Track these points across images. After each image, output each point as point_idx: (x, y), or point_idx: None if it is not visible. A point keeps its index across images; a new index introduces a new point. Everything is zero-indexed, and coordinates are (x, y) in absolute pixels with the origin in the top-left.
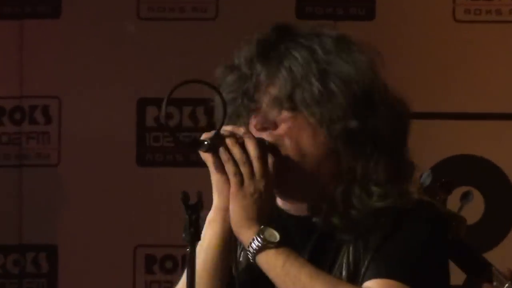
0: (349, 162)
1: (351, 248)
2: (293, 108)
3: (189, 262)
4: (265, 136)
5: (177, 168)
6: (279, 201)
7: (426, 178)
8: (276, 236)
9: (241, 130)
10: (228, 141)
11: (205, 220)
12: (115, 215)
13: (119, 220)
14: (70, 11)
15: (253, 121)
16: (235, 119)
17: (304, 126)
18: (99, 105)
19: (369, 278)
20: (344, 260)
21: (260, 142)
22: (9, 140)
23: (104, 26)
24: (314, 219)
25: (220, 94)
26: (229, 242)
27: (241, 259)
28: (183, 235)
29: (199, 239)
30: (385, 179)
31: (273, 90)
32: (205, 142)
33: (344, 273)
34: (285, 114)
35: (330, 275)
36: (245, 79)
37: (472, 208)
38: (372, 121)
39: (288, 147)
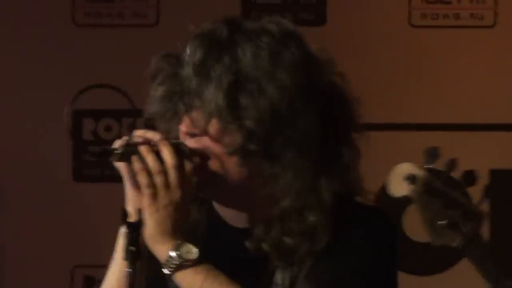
0: (278, 176)
1: (286, 269)
2: (223, 119)
3: (130, 284)
4: (192, 142)
5: (117, 184)
6: (219, 208)
7: (432, 153)
8: (193, 252)
9: (156, 136)
10: (142, 149)
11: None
12: (52, 233)
13: (56, 239)
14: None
15: (182, 125)
16: (166, 120)
17: (231, 140)
18: (32, 117)
19: None
20: (279, 282)
21: (178, 148)
22: None
23: (38, 32)
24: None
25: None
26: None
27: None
28: (124, 254)
29: (139, 258)
30: (326, 190)
31: (206, 97)
32: (116, 151)
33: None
34: (214, 123)
35: None
36: (181, 79)
37: None
38: (298, 129)
39: (213, 159)
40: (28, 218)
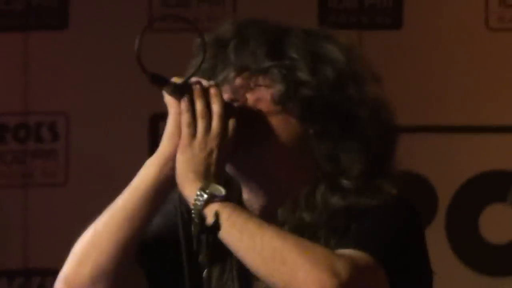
0: (312, 139)
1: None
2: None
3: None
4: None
5: None
6: (245, 195)
7: None
8: (221, 190)
9: (212, 85)
10: (196, 91)
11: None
12: None
13: None
14: (78, 22)
15: (226, 94)
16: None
17: (269, 98)
18: (109, 121)
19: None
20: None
21: (229, 104)
22: (13, 159)
23: (114, 37)
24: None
25: (201, 34)
26: (157, 195)
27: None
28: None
29: (213, 262)
30: (358, 173)
31: (244, 59)
32: (172, 83)
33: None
34: (258, 86)
35: (278, 227)
36: (225, 48)
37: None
38: (341, 100)
39: (259, 123)
40: None
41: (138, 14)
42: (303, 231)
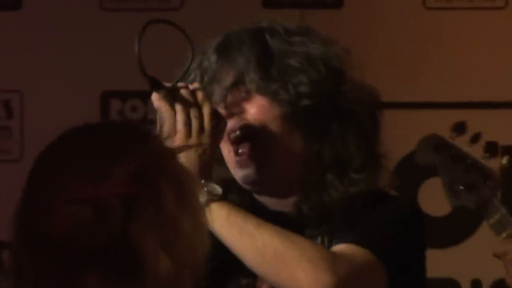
0: (315, 144)
1: (325, 238)
2: (261, 91)
3: None
4: (234, 121)
5: None
6: (257, 195)
7: (458, 129)
8: (218, 190)
9: (198, 88)
10: (186, 93)
11: None
12: None
13: None
14: (32, 2)
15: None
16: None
17: (269, 107)
18: (62, 98)
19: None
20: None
21: (214, 109)
22: None
23: (67, 17)
24: (289, 214)
25: (186, 35)
26: None
27: None
28: None
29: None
30: (361, 164)
31: (233, 72)
32: (165, 86)
33: None
34: (255, 97)
35: (276, 226)
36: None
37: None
38: (337, 99)
39: (257, 130)
40: None
41: None
42: (320, 212)
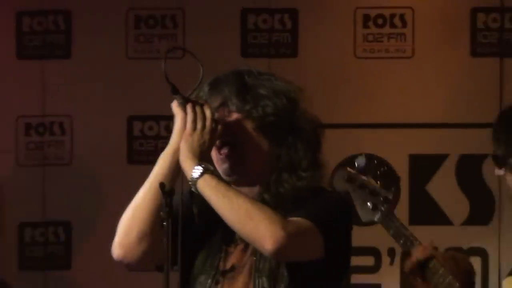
0: (276, 150)
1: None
2: (239, 111)
3: (166, 234)
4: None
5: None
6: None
7: (360, 160)
8: (211, 167)
9: (205, 102)
10: (194, 104)
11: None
12: (109, 202)
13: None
14: (78, 53)
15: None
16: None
17: (246, 123)
18: (99, 120)
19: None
20: None
21: (214, 118)
22: (35, 147)
23: (102, 63)
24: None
25: (197, 60)
26: (171, 173)
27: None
28: (161, 212)
29: (171, 217)
30: (307, 166)
31: (220, 98)
32: (182, 95)
33: None
34: (234, 114)
35: (249, 196)
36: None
37: None
38: (292, 119)
39: (235, 138)
40: (98, 190)
41: (119, 47)
42: (278, 200)
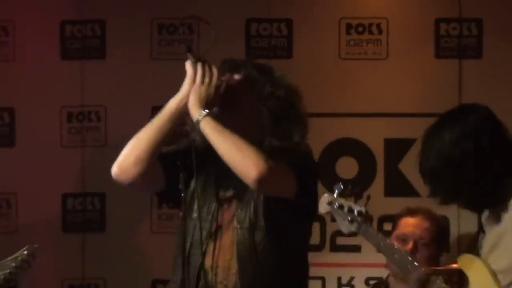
0: (264, 121)
1: None
2: (247, 78)
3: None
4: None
5: None
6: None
7: (337, 186)
8: (213, 112)
9: (213, 65)
10: (206, 63)
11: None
12: None
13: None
14: (112, 55)
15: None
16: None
17: (247, 90)
18: (128, 110)
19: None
20: None
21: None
22: (76, 131)
23: (131, 63)
24: None
25: (209, 24)
26: (176, 118)
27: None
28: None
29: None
30: (285, 134)
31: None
32: (195, 53)
33: None
34: (238, 76)
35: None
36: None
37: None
38: (275, 104)
39: (236, 90)
40: None
41: (144, 47)
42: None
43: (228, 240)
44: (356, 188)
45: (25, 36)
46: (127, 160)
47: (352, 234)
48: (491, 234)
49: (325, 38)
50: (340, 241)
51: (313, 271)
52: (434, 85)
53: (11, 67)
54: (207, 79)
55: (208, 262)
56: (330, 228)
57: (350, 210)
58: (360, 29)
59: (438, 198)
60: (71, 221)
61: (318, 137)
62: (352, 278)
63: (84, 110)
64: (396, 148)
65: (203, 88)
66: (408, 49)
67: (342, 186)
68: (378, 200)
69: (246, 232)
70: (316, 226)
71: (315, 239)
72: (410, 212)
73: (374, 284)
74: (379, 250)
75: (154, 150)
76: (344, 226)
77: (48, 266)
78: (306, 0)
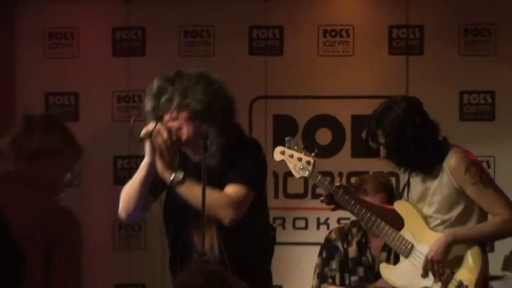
0: (209, 128)
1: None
2: (184, 109)
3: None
4: (173, 123)
5: None
6: (186, 151)
7: (288, 139)
8: (182, 173)
9: (159, 127)
10: (157, 133)
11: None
12: None
13: None
14: (150, 53)
15: (166, 116)
16: (157, 114)
17: (188, 118)
18: None
19: (226, 184)
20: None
21: (169, 132)
22: (123, 109)
23: (164, 60)
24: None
25: (157, 122)
26: (149, 177)
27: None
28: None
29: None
30: (231, 132)
31: (174, 102)
32: (143, 137)
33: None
34: (181, 114)
35: (209, 187)
36: (159, 96)
37: None
38: (213, 106)
39: (183, 130)
40: None
41: (173, 44)
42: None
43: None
44: (305, 142)
45: (85, 39)
46: (129, 204)
47: (303, 178)
48: (419, 189)
49: (307, 40)
50: (319, 190)
51: (298, 213)
52: (388, 75)
53: (76, 62)
54: (163, 146)
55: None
56: (311, 181)
57: (299, 159)
58: (333, 33)
59: (390, 161)
60: (121, 177)
61: (303, 113)
62: (327, 219)
63: (129, 93)
64: (360, 121)
65: (166, 156)
66: (368, 48)
67: (291, 139)
68: (346, 160)
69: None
70: (300, 180)
71: (299, 189)
72: (365, 193)
73: (352, 221)
74: (327, 193)
75: (145, 191)
76: (296, 172)
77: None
78: (294, 12)
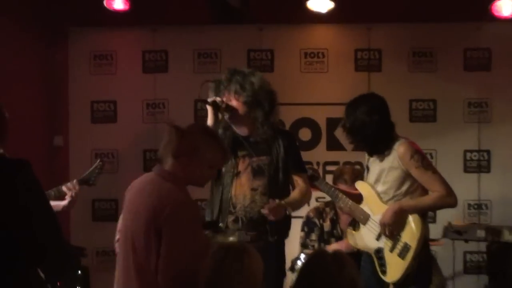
0: (255, 115)
1: (277, 143)
2: (239, 94)
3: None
4: (232, 102)
5: None
6: (237, 130)
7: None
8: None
9: (221, 100)
10: (218, 102)
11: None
12: None
13: None
14: (172, 71)
15: (227, 97)
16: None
17: (242, 102)
18: (184, 103)
19: (293, 171)
20: (276, 147)
21: (227, 105)
22: (151, 114)
23: (182, 77)
24: (251, 138)
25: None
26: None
27: None
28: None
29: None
30: (272, 121)
31: (232, 88)
32: (210, 101)
33: (281, 151)
34: (239, 97)
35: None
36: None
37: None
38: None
39: (239, 108)
40: None
41: (188, 61)
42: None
43: (245, 179)
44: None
45: (121, 59)
46: None
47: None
48: (375, 171)
49: (292, 60)
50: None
51: None
52: (354, 87)
53: (114, 77)
54: (221, 106)
55: (233, 192)
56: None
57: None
58: (312, 55)
59: (357, 148)
60: (149, 166)
61: (289, 116)
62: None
63: (155, 101)
64: (333, 123)
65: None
66: (339, 66)
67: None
68: (322, 152)
69: (257, 178)
70: None
71: None
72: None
73: (325, 202)
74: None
75: None
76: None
77: None
78: (282, 38)
